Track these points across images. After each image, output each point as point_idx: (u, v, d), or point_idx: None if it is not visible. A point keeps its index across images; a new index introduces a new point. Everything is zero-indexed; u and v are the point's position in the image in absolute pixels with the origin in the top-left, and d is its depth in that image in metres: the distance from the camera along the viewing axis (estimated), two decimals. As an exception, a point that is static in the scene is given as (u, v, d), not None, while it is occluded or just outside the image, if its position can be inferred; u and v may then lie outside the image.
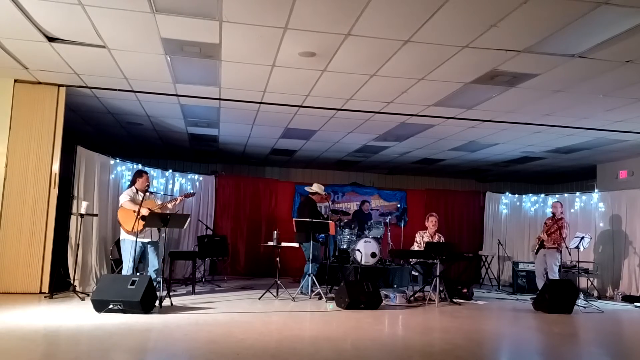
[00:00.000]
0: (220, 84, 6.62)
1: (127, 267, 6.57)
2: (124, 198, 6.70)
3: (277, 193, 12.18)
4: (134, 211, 6.47)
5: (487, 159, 11.09)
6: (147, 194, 6.76)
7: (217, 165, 12.68)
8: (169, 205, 6.86)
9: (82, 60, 5.97)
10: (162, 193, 9.28)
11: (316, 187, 8.31)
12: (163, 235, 6.52)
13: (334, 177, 13.24)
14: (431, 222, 8.38)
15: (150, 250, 6.70)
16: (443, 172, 13.04)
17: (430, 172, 13.14)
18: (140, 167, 9.42)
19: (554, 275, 8.24)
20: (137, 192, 6.75)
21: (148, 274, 6.40)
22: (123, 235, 6.62)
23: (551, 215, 8.72)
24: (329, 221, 7.74)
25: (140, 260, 6.85)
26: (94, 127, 9.29)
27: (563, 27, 4.50)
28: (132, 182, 6.95)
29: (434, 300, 7.42)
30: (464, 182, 14.18)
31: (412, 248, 8.41)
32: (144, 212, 6.40)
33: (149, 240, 6.67)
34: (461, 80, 6.11)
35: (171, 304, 6.15)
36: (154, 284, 5.91)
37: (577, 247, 8.39)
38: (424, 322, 5.98)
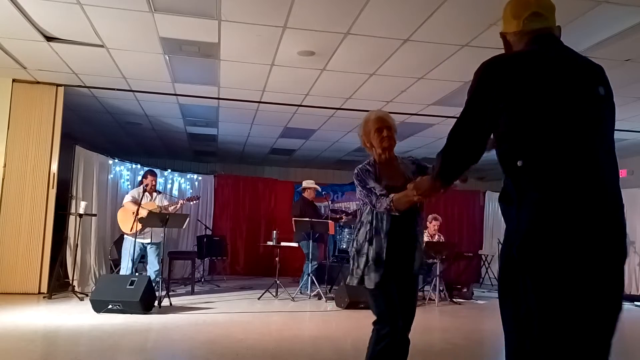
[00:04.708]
0: (219, 83, 6.60)
1: (125, 267, 6.57)
2: (127, 198, 6.81)
3: (277, 193, 12.16)
4: (133, 212, 6.48)
5: (487, 158, 10.99)
6: (155, 194, 6.85)
7: (216, 164, 12.66)
8: (170, 209, 6.88)
9: (80, 60, 5.95)
10: (168, 194, 9.30)
11: (304, 183, 8.35)
12: (161, 235, 6.52)
13: (334, 177, 13.21)
14: (433, 225, 8.36)
15: (151, 252, 6.70)
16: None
17: (429, 171, 13.11)
18: (138, 166, 9.43)
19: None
20: (145, 192, 6.81)
21: (148, 275, 6.39)
22: (125, 234, 6.67)
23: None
24: (328, 221, 7.74)
25: (141, 260, 6.85)
26: (92, 127, 9.27)
27: (563, 26, 4.48)
28: (140, 183, 7.04)
29: (434, 300, 7.42)
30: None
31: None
32: (143, 213, 6.40)
33: (148, 241, 6.67)
34: (461, 79, 6.09)
35: (170, 304, 6.14)
36: (153, 284, 5.90)
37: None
38: (423, 322, 5.97)
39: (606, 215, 1.46)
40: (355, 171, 2.73)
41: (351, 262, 2.73)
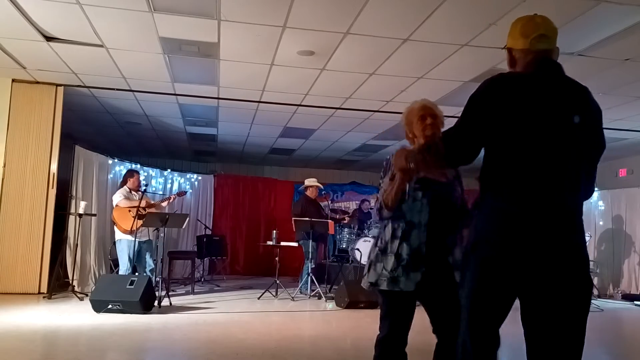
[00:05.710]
0: (218, 83, 6.60)
1: (124, 268, 6.56)
2: (119, 197, 6.72)
3: (276, 192, 12.16)
4: (129, 209, 6.47)
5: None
6: (140, 192, 6.83)
7: (215, 164, 12.66)
8: (163, 204, 6.88)
9: (80, 60, 5.94)
10: (160, 193, 9.32)
11: (306, 182, 8.36)
12: (161, 234, 6.51)
13: (334, 176, 13.21)
14: None
15: (146, 250, 6.70)
16: (442, 171, 13.03)
17: (429, 170, 13.10)
18: (137, 166, 9.42)
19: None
20: (131, 192, 6.81)
21: (144, 274, 6.39)
22: (118, 235, 6.62)
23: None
24: (328, 220, 7.74)
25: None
26: (92, 127, 9.26)
27: (562, 26, 4.48)
28: (124, 182, 6.99)
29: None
30: (464, 181, 14.12)
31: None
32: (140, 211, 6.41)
33: (145, 239, 6.67)
34: (460, 79, 6.09)
35: (170, 304, 6.13)
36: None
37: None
38: (423, 322, 5.95)
39: (555, 233, 1.75)
40: (388, 157, 2.48)
41: (371, 264, 2.42)
